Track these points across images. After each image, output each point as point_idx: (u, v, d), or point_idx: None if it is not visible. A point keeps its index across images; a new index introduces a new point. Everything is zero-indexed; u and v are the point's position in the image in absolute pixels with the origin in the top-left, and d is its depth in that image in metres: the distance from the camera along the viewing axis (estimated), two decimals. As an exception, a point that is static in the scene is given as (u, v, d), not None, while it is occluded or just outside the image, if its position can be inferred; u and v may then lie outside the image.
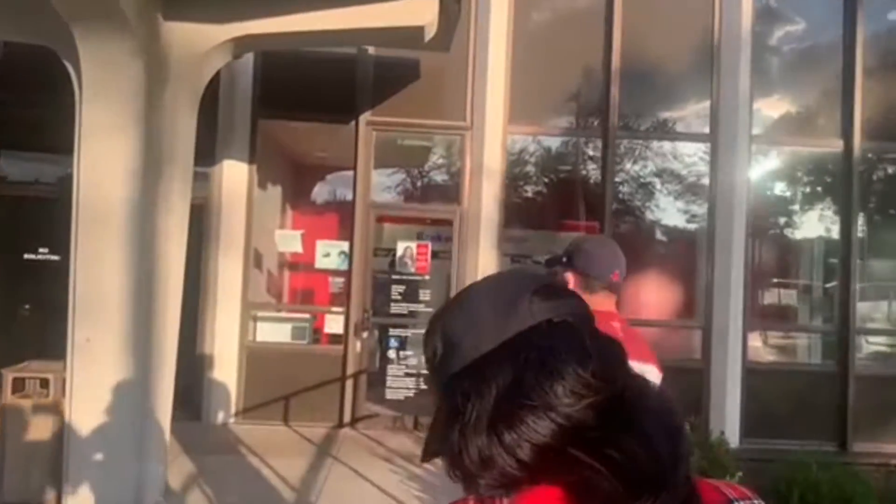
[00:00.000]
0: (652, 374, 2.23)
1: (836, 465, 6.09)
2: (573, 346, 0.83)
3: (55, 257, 7.46)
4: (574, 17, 8.11)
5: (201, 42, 4.82)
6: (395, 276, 7.75)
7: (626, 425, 0.78)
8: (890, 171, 8.57)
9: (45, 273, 7.47)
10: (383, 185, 8.23)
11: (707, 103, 7.87)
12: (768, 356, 8.20)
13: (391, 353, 7.75)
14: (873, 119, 7.83)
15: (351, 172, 7.70)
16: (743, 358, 7.57)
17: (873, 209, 8.25)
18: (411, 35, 5.29)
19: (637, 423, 0.78)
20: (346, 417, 7.51)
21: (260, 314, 7.76)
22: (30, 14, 4.54)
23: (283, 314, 7.96)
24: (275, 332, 7.77)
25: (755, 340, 7.95)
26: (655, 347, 2.42)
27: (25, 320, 7.75)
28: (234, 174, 7.53)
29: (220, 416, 7.45)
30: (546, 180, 8.55)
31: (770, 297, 8.45)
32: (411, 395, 7.68)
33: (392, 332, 7.75)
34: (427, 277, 7.73)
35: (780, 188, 8.56)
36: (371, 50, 7.60)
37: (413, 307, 7.72)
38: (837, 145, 7.84)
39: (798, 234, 8.68)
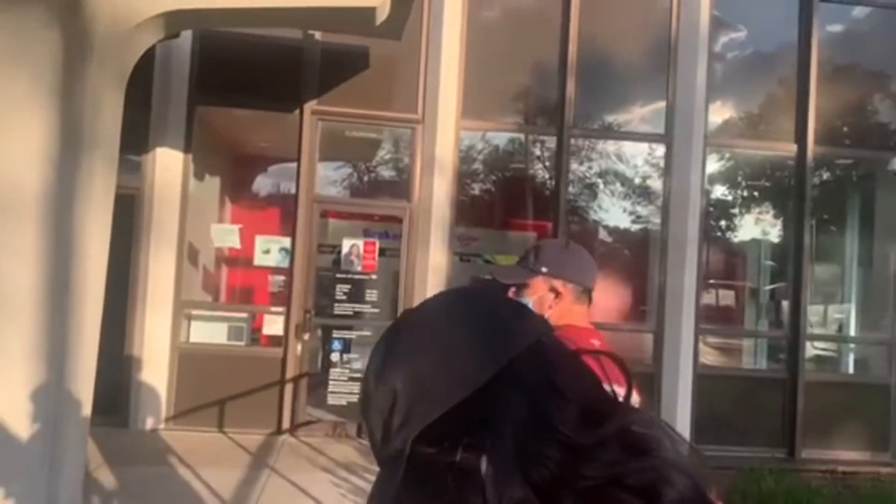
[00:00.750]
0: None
1: (789, 474, 5.99)
2: (575, 364, 0.75)
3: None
4: (531, 11, 7.86)
5: (128, 15, 4.37)
6: (339, 275, 7.38)
7: (645, 454, 0.69)
8: (842, 175, 8.59)
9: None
10: (329, 179, 7.84)
11: (662, 104, 7.72)
12: (719, 361, 8.12)
13: (334, 356, 7.37)
14: (827, 124, 7.81)
15: (294, 164, 7.29)
16: (694, 363, 7.45)
17: (825, 214, 8.25)
18: (361, 17, 4.93)
19: (655, 451, 0.69)
20: (286, 423, 7.11)
21: (194, 313, 7.29)
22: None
23: (219, 313, 7.49)
24: (210, 332, 7.31)
25: (706, 345, 7.85)
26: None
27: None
28: (167, 163, 7.04)
29: (150, 423, 6.96)
30: (498, 177, 8.31)
31: (722, 302, 8.37)
32: (355, 399, 7.32)
33: (336, 333, 7.37)
34: (374, 277, 7.37)
35: (733, 191, 8.51)
36: (318, 35, 7.21)
37: (359, 308, 7.36)
38: (791, 149, 7.79)
39: (750, 238, 8.63)
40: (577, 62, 7.52)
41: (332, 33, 6.87)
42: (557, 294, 2.01)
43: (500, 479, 0.65)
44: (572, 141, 7.70)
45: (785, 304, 7.94)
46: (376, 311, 7.42)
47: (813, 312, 8.04)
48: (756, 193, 8.53)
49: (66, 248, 4.16)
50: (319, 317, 7.31)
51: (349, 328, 7.40)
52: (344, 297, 7.34)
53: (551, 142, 7.73)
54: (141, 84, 4.97)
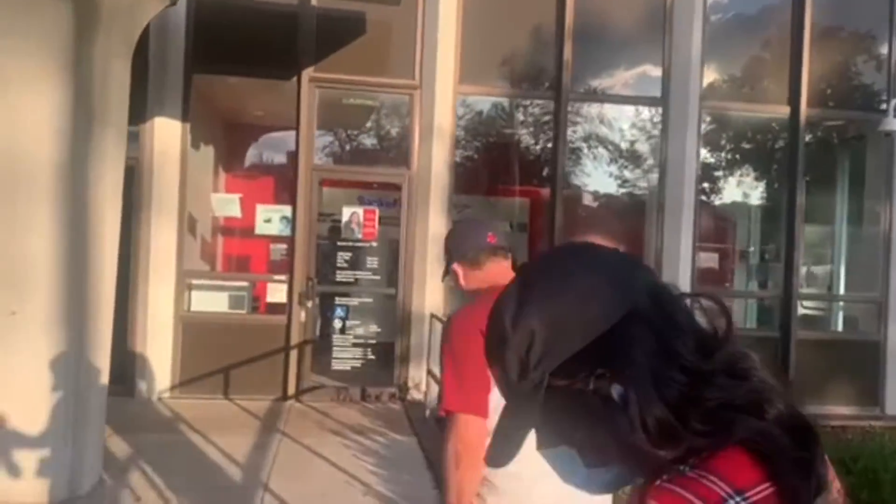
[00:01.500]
0: None
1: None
2: (686, 306, 0.84)
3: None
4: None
5: (135, -17, 4.35)
6: (340, 243, 7.43)
7: (746, 379, 0.79)
8: (833, 137, 8.71)
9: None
10: (327, 147, 7.85)
11: (658, 67, 7.76)
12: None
13: (337, 323, 7.46)
14: (819, 85, 7.90)
15: (293, 132, 7.28)
16: (690, 323, 7.58)
17: (817, 175, 8.37)
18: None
19: (754, 376, 0.80)
20: (291, 389, 7.20)
21: (196, 283, 7.32)
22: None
23: (221, 282, 7.53)
24: (211, 301, 7.36)
25: (702, 307, 7.99)
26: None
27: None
28: (166, 133, 7.00)
29: (155, 391, 7.03)
30: (496, 143, 8.34)
31: (716, 263, 8.52)
32: (358, 365, 7.43)
33: (338, 300, 7.45)
34: (374, 244, 7.43)
35: (727, 153, 8.60)
36: (314, 1, 7.15)
37: (360, 275, 7.43)
38: (784, 111, 7.88)
39: (743, 199, 8.76)
40: (573, 26, 7.52)
41: (331, -1, 6.82)
42: (449, 274, 2.24)
43: (642, 399, 0.76)
44: (570, 105, 7.73)
45: (777, 264, 8.09)
46: (377, 278, 7.50)
47: (804, 272, 8.21)
48: (750, 155, 8.63)
49: (82, 219, 4.19)
50: (321, 284, 7.37)
51: (350, 295, 7.47)
52: (345, 265, 7.41)
53: (549, 106, 7.77)
54: (137, 53, 4.91)
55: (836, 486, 0.82)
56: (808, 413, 0.81)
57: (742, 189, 8.72)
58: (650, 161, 8.02)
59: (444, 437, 1.99)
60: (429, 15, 7.26)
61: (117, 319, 6.70)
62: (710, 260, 8.38)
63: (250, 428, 6.20)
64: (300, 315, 7.23)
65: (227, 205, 7.53)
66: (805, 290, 8.21)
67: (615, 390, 0.78)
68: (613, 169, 8.28)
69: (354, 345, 7.38)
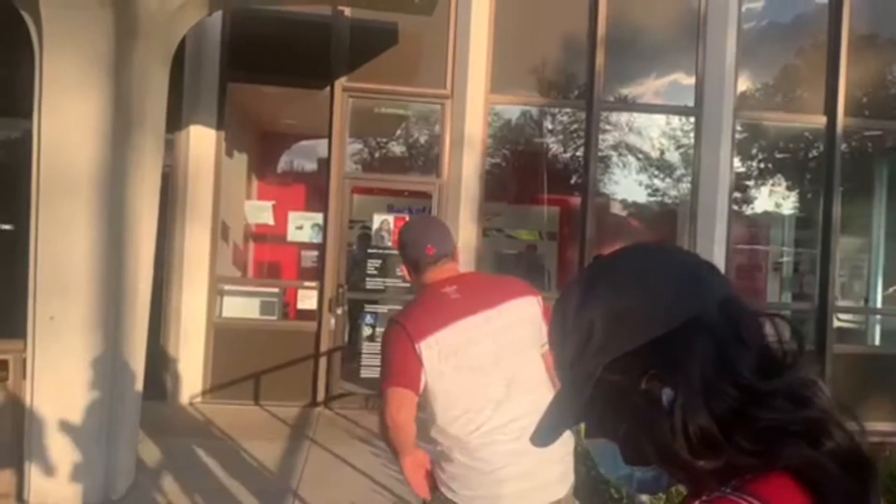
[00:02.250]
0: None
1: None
2: (756, 323, 0.81)
3: (7, 226, 6.97)
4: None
5: (175, -7, 4.42)
6: (370, 251, 7.45)
7: (807, 406, 0.77)
8: (870, 147, 8.56)
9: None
10: (359, 155, 7.89)
11: (692, 76, 7.70)
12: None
13: (366, 330, 7.47)
14: (857, 94, 7.77)
15: (325, 141, 7.33)
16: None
17: (853, 186, 8.22)
18: (401, -6, 4.95)
19: (817, 405, 0.77)
20: (320, 396, 7.22)
21: (227, 288, 7.39)
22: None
23: (252, 289, 7.59)
24: (243, 307, 7.41)
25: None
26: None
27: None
28: (201, 141, 7.10)
29: (187, 396, 7.10)
30: (527, 151, 8.32)
31: (749, 274, 8.40)
32: (387, 372, 7.42)
33: (368, 307, 7.46)
34: (404, 252, 7.42)
35: (761, 163, 8.49)
36: (347, 12, 7.21)
37: (389, 282, 7.44)
38: (820, 121, 7.76)
39: (777, 210, 8.64)
40: (605, 35, 7.49)
41: (363, 10, 6.86)
42: (411, 270, 2.57)
43: (688, 406, 0.75)
44: (602, 114, 7.70)
45: (812, 276, 7.96)
46: (406, 285, 7.49)
47: (840, 284, 8.06)
48: (784, 165, 8.51)
49: (120, 225, 4.25)
50: (351, 291, 7.39)
51: (380, 302, 7.48)
52: (375, 272, 7.42)
53: (579, 115, 7.74)
54: (174, 62, 4.99)
55: None
56: (866, 447, 0.78)
57: (776, 199, 8.60)
58: (681, 170, 7.95)
59: (379, 414, 2.39)
60: (461, 25, 7.28)
61: (151, 324, 6.79)
62: (742, 271, 8.27)
63: (280, 434, 6.24)
64: (330, 322, 7.26)
65: (260, 212, 7.60)
66: (841, 303, 8.06)
67: (665, 394, 0.77)
68: (644, 178, 8.22)
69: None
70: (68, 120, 3.99)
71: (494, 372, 2.31)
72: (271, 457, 5.54)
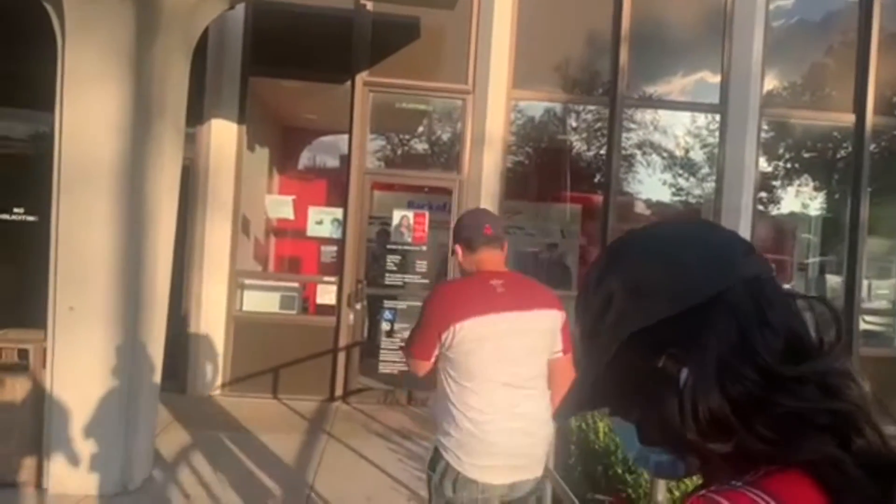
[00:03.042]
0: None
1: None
2: (788, 306, 0.77)
3: (32, 218, 7.04)
4: (582, -21, 7.74)
5: (196, -14, 4.42)
6: (390, 246, 7.44)
7: (838, 399, 0.72)
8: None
9: (20, 234, 7.04)
10: (379, 151, 7.87)
11: (717, 73, 7.59)
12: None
13: (385, 325, 7.47)
14: (887, 92, 7.61)
15: (345, 136, 7.33)
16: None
17: (882, 185, 8.06)
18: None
19: (850, 399, 0.72)
20: (338, 391, 7.23)
21: (247, 282, 7.41)
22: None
23: (272, 283, 7.61)
24: (263, 301, 7.43)
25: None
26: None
27: (-1, 285, 7.33)
28: (222, 135, 7.12)
29: (206, 389, 7.14)
30: (549, 148, 8.25)
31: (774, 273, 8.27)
32: (405, 368, 7.40)
33: (386, 303, 7.46)
34: (424, 248, 7.42)
35: (787, 161, 8.35)
36: (369, 6, 7.20)
37: (408, 278, 7.43)
38: (849, 119, 7.62)
39: (803, 209, 8.49)
40: (630, 31, 7.41)
41: (385, 3, 6.84)
42: (454, 253, 2.76)
43: (699, 386, 0.72)
44: (625, 111, 7.62)
45: (838, 277, 7.82)
46: (426, 281, 7.48)
47: (866, 286, 7.92)
48: (811, 164, 8.37)
49: (139, 216, 4.26)
50: (370, 287, 7.39)
51: (399, 298, 7.47)
52: (394, 268, 7.41)
53: (603, 112, 7.67)
54: (196, 56, 5.01)
55: None
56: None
57: (802, 199, 8.46)
58: (705, 168, 7.84)
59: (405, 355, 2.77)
60: (483, 20, 7.23)
61: (171, 316, 6.83)
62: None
63: (297, 428, 6.25)
64: (349, 317, 7.27)
65: (281, 206, 7.61)
66: (868, 305, 7.91)
67: (682, 373, 0.74)
68: (668, 176, 8.11)
69: (402, 348, 7.36)
70: (89, 112, 4.01)
71: (509, 363, 2.60)
72: (288, 450, 5.55)
